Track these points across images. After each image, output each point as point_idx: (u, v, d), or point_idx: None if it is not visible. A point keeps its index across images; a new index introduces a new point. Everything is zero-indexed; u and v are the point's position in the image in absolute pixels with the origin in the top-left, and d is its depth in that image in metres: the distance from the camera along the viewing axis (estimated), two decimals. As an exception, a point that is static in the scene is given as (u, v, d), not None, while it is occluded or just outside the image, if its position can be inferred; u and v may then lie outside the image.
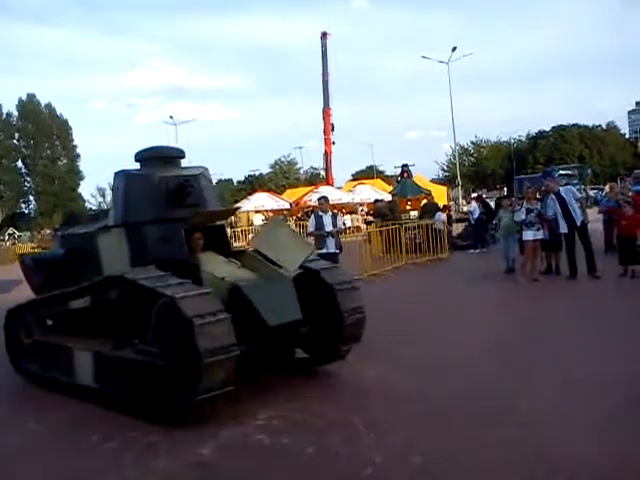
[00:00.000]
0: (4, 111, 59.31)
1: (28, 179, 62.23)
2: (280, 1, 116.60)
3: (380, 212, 17.91)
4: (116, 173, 6.21)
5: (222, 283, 5.31)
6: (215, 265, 5.64)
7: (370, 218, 21.47)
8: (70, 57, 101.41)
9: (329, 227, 10.37)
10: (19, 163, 61.48)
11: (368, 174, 57.46)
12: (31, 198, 63.49)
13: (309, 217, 14.33)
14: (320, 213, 10.70)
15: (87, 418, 5.28)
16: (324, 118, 38.69)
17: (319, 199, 11.45)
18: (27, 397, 6.16)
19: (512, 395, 5.04)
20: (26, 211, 63.35)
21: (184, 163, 6.50)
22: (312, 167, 67.07)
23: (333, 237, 10.33)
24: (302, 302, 5.53)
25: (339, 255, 10.53)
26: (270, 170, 65.73)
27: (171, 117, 52.34)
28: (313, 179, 57.54)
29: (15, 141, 60.89)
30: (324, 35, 39.09)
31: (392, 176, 47.40)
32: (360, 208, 30.69)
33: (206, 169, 6.51)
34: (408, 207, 23.69)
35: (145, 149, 6.36)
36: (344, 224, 26.12)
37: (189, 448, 4.43)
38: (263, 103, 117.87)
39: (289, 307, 5.38)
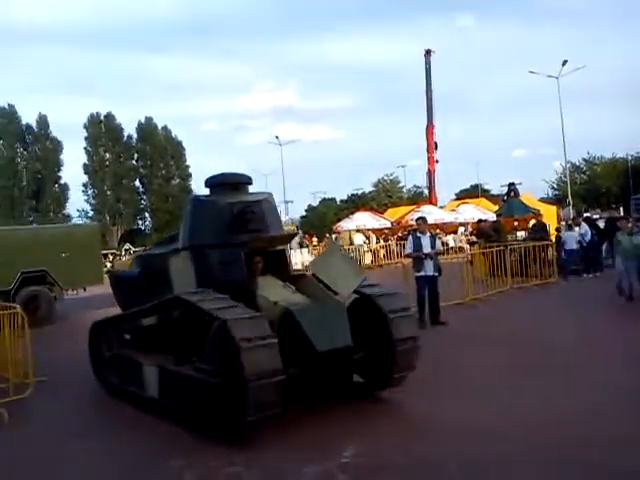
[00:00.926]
0: (125, 134, 63.28)
1: (144, 197, 65.74)
2: (385, 20, 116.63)
3: (484, 233, 17.14)
4: (189, 198, 6.42)
5: (275, 307, 5.41)
6: (271, 289, 5.75)
7: (474, 238, 20.68)
8: (183, 82, 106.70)
9: (427, 249, 9.96)
10: (137, 182, 65.07)
11: (472, 193, 55.79)
12: (147, 215, 66.98)
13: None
14: (418, 234, 10.30)
15: (174, 442, 5.23)
16: (427, 136, 38.05)
17: (417, 220, 11.05)
18: (121, 416, 6.20)
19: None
20: (142, 227, 67.04)
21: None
22: (415, 186, 66.26)
23: (431, 259, 9.89)
24: (356, 328, 5.52)
25: (437, 278, 10.07)
26: (373, 189, 65.61)
27: (277, 137, 53.42)
28: (416, 198, 56.63)
29: (134, 162, 64.57)
30: (428, 53, 38.60)
31: (497, 195, 45.71)
32: (462, 229, 29.68)
33: (270, 194, 6.68)
34: (516, 227, 22.66)
35: (214, 176, 6.60)
36: (445, 244, 25.65)
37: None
38: (367, 122, 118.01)
39: (340, 333, 5.33)
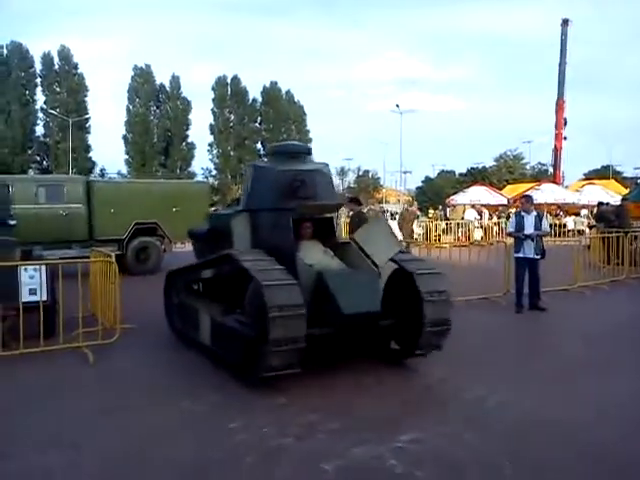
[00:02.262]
0: (250, 97, 64.87)
1: (265, 160, 67.49)
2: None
3: (604, 216, 15.83)
4: (247, 165, 6.68)
5: (310, 269, 5.83)
6: (311, 253, 6.17)
7: (594, 222, 19.23)
8: (311, 49, 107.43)
9: (530, 229, 9.29)
10: (258, 145, 66.75)
11: (603, 174, 51.83)
12: (266, 178, 68.79)
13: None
14: (522, 213, 9.64)
15: (235, 403, 5.28)
16: (557, 111, 35.73)
17: (521, 197, 10.36)
18: (192, 373, 6.35)
19: None
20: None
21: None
22: (540, 163, 62.49)
23: (532, 240, 9.23)
24: (392, 297, 6.06)
25: (539, 261, 9.40)
26: (494, 163, 62.86)
27: (397, 106, 52.62)
28: (540, 175, 53.50)
29: (257, 124, 66.17)
30: (565, 23, 35.97)
31: (631, 178, 42.23)
32: (585, 211, 27.70)
33: (326, 165, 7.03)
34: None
35: (275, 145, 7.09)
36: (563, 226, 24.05)
37: (316, 459, 4.11)
38: (494, 95, 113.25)
39: (368, 298, 5.63)
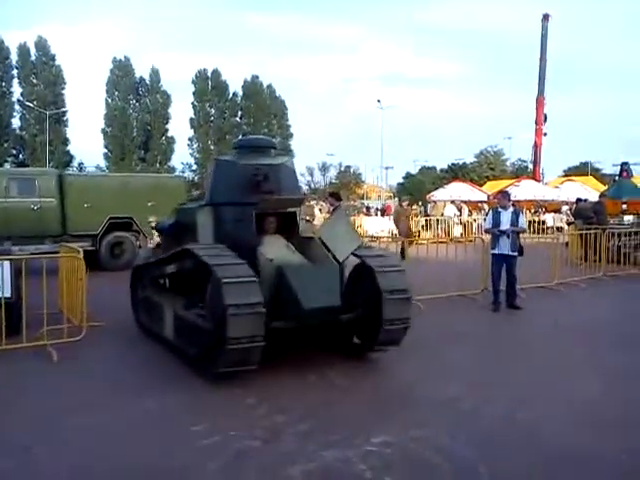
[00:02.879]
0: (231, 91, 64.37)
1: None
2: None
3: (582, 213, 15.87)
4: (212, 158, 6.68)
5: (270, 264, 5.78)
6: (272, 248, 6.10)
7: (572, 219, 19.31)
8: (291, 42, 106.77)
9: (506, 225, 9.22)
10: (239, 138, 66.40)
11: (582, 171, 52.29)
12: (246, 172, 68.40)
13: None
14: (499, 209, 9.57)
15: (203, 404, 5.11)
16: (537, 107, 35.87)
17: (498, 193, 10.31)
18: (158, 371, 6.16)
19: None
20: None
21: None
22: (520, 159, 62.80)
23: (508, 237, 9.15)
24: (353, 291, 6.20)
25: (516, 258, 9.33)
26: (475, 160, 63.14)
27: (378, 101, 52.85)
28: (520, 172, 53.79)
29: (238, 118, 65.70)
30: (545, 18, 36.11)
31: (610, 175, 42.60)
32: (565, 207, 27.87)
33: (290, 160, 7.02)
34: (624, 210, 20.92)
35: (240, 139, 7.21)
36: (542, 223, 24.17)
37: (282, 464, 3.96)
38: (477, 90, 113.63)
39: (328, 293, 5.65)
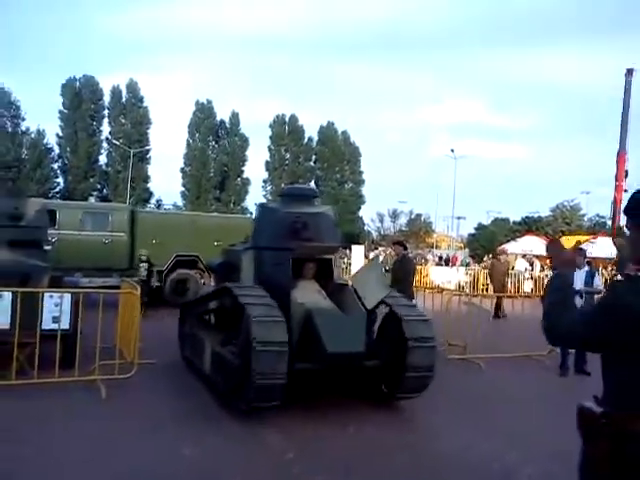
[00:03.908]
0: (306, 136, 65.74)
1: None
2: (582, 37, 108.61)
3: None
4: (257, 205, 7.54)
5: (301, 307, 6.05)
6: (305, 292, 6.43)
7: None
8: (368, 91, 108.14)
9: (579, 285, 8.71)
10: (312, 183, 67.30)
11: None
12: (317, 216, 69.03)
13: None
14: (572, 268, 9.05)
15: (239, 455, 4.96)
16: (618, 163, 34.62)
17: (571, 249, 9.77)
18: (201, 417, 6.06)
19: None
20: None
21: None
22: (598, 215, 60.51)
23: (581, 297, 8.63)
24: (382, 339, 6.41)
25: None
26: (550, 214, 61.28)
27: (452, 150, 52.14)
28: (597, 228, 51.80)
29: (312, 163, 66.87)
30: (629, 72, 35.12)
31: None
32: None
33: (330, 209, 7.48)
34: None
35: (285, 187, 7.75)
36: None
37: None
38: (553, 143, 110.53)
39: (352, 339, 5.81)
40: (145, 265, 12.91)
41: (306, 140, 65.69)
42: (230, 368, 5.99)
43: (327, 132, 66.06)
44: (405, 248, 11.41)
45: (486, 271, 23.66)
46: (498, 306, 11.05)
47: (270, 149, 63.99)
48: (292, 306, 6.00)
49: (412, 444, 5.44)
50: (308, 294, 6.39)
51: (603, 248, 27.66)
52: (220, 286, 6.70)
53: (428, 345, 6.11)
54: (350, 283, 6.75)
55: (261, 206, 7.54)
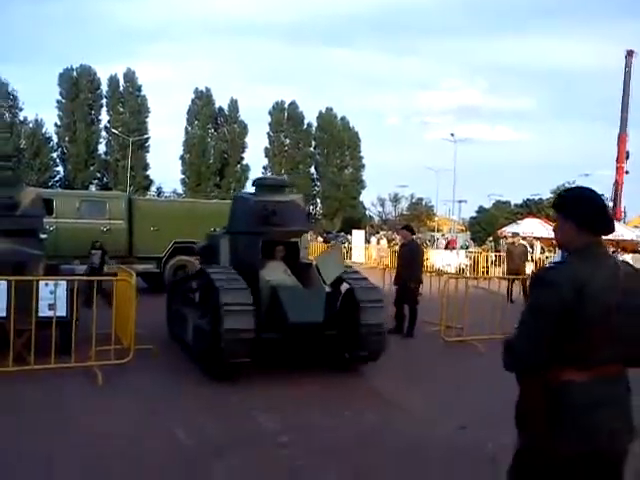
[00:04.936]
0: (306, 122, 65.51)
1: (318, 184, 67.69)
2: (578, 20, 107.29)
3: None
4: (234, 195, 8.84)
5: (267, 284, 6.95)
6: (272, 271, 7.28)
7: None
8: (367, 76, 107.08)
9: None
10: (312, 169, 67.15)
11: (669, 210, 49.60)
12: (318, 201, 68.95)
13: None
14: (568, 249, 9.05)
15: (232, 442, 4.99)
16: (619, 144, 34.38)
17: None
18: (196, 401, 6.11)
19: None
20: (313, 212, 69.10)
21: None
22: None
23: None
24: (341, 311, 7.10)
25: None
26: (551, 196, 61.19)
27: (452, 134, 51.89)
28: (599, 210, 51.56)
29: (312, 149, 66.67)
30: (630, 54, 34.74)
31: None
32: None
33: (299, 197, 8.34)
34: None
35: (258, 178, 8.62)
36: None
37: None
38: (551, 126, 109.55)
39: (312, 310, 6.59)
40: (99, 252, 12.25)
41: (305, 126, 65.46)
42: (205, 333, 6.82)
43: (326, 118, 65.81)
44: (413, 233, 11.33)
45: (486, 254, 23.71)
46: (509, 291, 11.05)
47: (269, 135, 63.83)
48: (260, 283, 6.91)
49: (400, 429, 5.45)
50: (275, 273, 7.24)
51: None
52: (200, 267, 7.65)
53: (377, 306, 6.92)
54: (314, 263, 7.58)
55: (235, 196, 8.61)
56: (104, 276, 11.23)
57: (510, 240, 16.95)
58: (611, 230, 2.52)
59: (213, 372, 6.61)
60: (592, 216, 2.44)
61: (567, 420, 2.33)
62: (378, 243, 32.05)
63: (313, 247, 32.29)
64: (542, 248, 25.97)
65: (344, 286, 7.31)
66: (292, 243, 7.77)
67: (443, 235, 42.42)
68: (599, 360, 2.33)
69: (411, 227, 11.83)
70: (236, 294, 6.37)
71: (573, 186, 2.70)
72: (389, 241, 33.59)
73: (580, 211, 2.45)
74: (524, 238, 26.90)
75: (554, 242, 28.91)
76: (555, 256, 10.10)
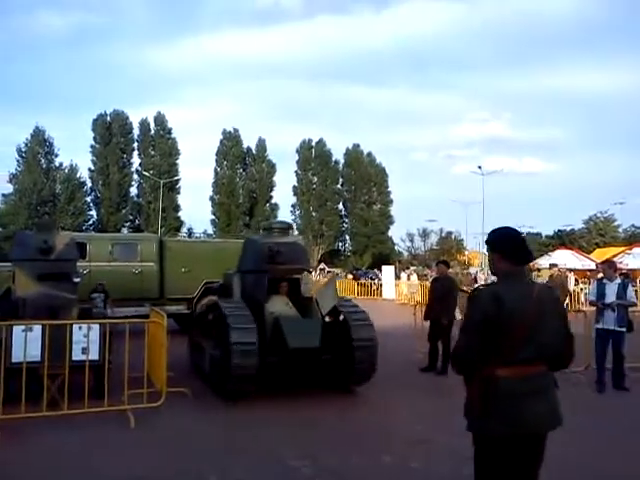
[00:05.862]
0: (333, 159, 66.10)
1: (346, 220, 67.90)
2: (604, 50, 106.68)
3: None
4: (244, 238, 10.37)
5: (271, 315, 7.91)
6: (275, 304, 8.20)
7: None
8: (392, 112, 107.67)
9: (611, 298, 8.47)
10: (340, 205, 67.48)
11: None
12: (347, 237, 69.05)
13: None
14: (604, 280, 8.85)
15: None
16: (652, 171, 33.81)
17: (602, 263, 9.60)
18: (227, 449, 6.03)
19: None
20: (341, 249, 69.14)
21: None
22: (634, 226, 59.05)
23: (614, 311, 8.39)
24: (336, 338, 7.85)
25: (623, 334, 8.49)
26: (583, 226, 60.18)
27: (479, 167, 51.69)
28: (634, 238, 50.49)
29: (339, 186, 67.13)
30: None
31: None
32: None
33: (300, 238, 9.73)
34: None
35: (266, 222, 10.02)
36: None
37: None
38: (581, 156, 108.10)
39: (310, 337, 7.42)
40: (101, 296, 11.85)
41: (333, 163, 66.01)
42: (217, 363, 7.66)
43: (353, 154, 66.43)
44: (448, 267, 11.76)
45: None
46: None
47: (297, 174, 64.55)
48: (265, 315, 7.88)
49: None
50: (278, 306, 8.17)
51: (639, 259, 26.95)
52: (213, 301, 8.50)
53: (370, 345, 7.68)
54: (314, 296, 8.41)
55: (246, 239, 9.68)
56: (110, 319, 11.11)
57: (550, 272, 16.60)
58: (529, 260, 3.24)
59: (225, 395, 7.46)
60: (513, 250, 3.07)
61: (496, 408, 2.86)
62: (408, 279, 31.69)
63: (343, 284, 32.22)
64: (576, 280, 25.38)
65: (342, 317, 8.15)
66: (294, 279, 8.61)
67: (482, 270, 41.82)
68: (522, 358, 2.88)
69: (447, 262, 12.12)
70: (244, 333, 7.15)
71: (501, 226, 3.21)
72: (419, 276, 33.26)
73: (504, 247, 3.09)
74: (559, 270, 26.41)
75: (588, 274, 28.37)
76: (591, 288, 9.79)
